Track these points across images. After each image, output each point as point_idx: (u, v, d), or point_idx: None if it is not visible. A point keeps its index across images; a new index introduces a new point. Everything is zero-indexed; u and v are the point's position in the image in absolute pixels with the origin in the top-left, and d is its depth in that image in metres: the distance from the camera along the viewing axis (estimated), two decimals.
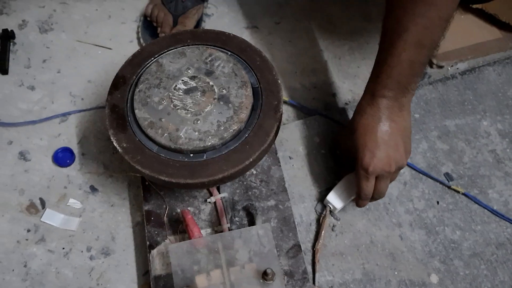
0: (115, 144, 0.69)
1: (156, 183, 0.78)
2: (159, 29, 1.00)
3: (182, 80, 0.72)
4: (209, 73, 0.73)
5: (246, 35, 1.05)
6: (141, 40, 1.02)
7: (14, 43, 1.05)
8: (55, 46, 1.05)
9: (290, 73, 1.00)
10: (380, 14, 1.06)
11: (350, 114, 0.93)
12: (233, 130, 0.68)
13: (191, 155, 0.68)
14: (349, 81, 0.99)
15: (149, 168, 0.67)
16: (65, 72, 1.02)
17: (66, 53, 1.04)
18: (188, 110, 0.70)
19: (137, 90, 0.72)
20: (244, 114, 0.69)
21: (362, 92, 0.97)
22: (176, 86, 0.72)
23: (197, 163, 0.67)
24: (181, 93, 0.71)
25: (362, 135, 0.72)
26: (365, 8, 1.08)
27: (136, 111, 0.70)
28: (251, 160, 0.67)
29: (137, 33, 1.05)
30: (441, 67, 0.99)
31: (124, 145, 0.69)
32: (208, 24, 1.06)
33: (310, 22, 1.07)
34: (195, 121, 0.69)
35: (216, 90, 0.71)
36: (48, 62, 1.03)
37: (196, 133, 0.68)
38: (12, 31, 1.05)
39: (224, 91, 0.71)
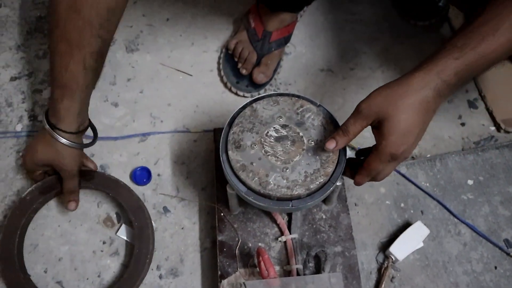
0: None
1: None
2: (240, 64, 1.05)
3: (274, 128, 0.77)
4: (299, 124, 0.77)
5: (321, 77, 1.10)
6: (222, 72, 1.08)
7: None
8: (140, 67, 1.11)
9: None
10: None
11: (417, 169, 0.97)
12: (319, 182, 0.73)
13: (278, 201, 0.73)
14: None
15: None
16: (147, 93, 1.08)
17: (149, 74, 1.10)
18: (278, 157, 0.75)
19: (231, 132, 0.77)
20: (330, 169, 0.74)
21: (428, 146, 1.01)
22: (268, 132, 0.77)
23: (283, 210, 0.72)
24: (272, 140, 0.76)
25: (403, 117, 0.65)
26: None
27: (230, 153, 0.75)
28: None
29: (218, 63, 1.10)
30: (508, 132, 1.02)
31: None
32: (286, 63, 1.11)
33: (383, 72, 1.11)
34: (284, 169, 0.74)
35: (305, 141, 0.76)
36: (132, 81, 1.09)
37: (285, 181, 0.73)
38: None
39: (313, 143, 0.76)
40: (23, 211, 0.87)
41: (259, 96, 0.81)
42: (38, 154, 0.85)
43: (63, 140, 0.82)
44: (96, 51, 0.77)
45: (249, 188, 0.74)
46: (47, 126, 0.82)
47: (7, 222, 0.87)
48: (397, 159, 0.68)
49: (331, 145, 0.71)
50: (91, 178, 0.91)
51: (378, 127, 0.68)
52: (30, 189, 0.89)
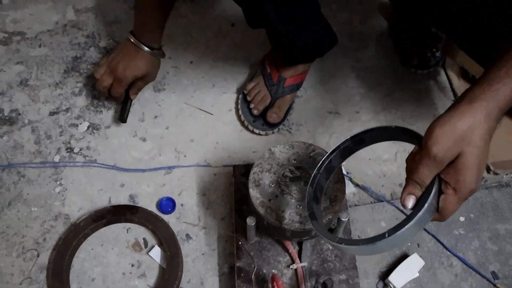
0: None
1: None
2: (252, 105, 1.17)
3: (289, 169, 0.88)
4: (311, 167, 0.89)
5: (329, 119, 1.22)
6: (240, 111, 1.19)
7: None
8: (166, 105, 1.23)
9: (364, 160, 1.15)
10: None
11: None
12: (328, 218, 0.84)
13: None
14: None
15: None
16: (172, 129, 1.20)
17: (174, 112, 1.22)
18: (292, 196, 0.86)
19: (252, 171, 0.88)
20: (337, 207, 0.85)
21: None
22: (284, 173, 0.88)
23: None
24: (287, 180, 0.87)
25: (477, 152, 0.62)
26: (436, 108, 1.23)
27: (250, 190, 0.87)
28: None
29: (236, 103, 1.22)
30: (497, 174, 1.13)
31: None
32: (297, 105, 1.23)
33: (386, 116, 1.22)
34: (298, 206, 0.85)
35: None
36: (159, 118, 1.21)
37: (298, 217, 0.84)
38: None
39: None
40: (76, 235, 1.01)
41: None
42: (138, 68, 1.11)
43: (148, 50, 1.10)
44: None
45: (267, 222, 0.85)
46: (141, 45, 1.10)
47: (61, 243, 1.00)
48: (471, 195, 0.65)
49: (410, 202, 0.65)
50: (136, 212, 1.04)
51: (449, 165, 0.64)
52: (84, 216, 1.03)
